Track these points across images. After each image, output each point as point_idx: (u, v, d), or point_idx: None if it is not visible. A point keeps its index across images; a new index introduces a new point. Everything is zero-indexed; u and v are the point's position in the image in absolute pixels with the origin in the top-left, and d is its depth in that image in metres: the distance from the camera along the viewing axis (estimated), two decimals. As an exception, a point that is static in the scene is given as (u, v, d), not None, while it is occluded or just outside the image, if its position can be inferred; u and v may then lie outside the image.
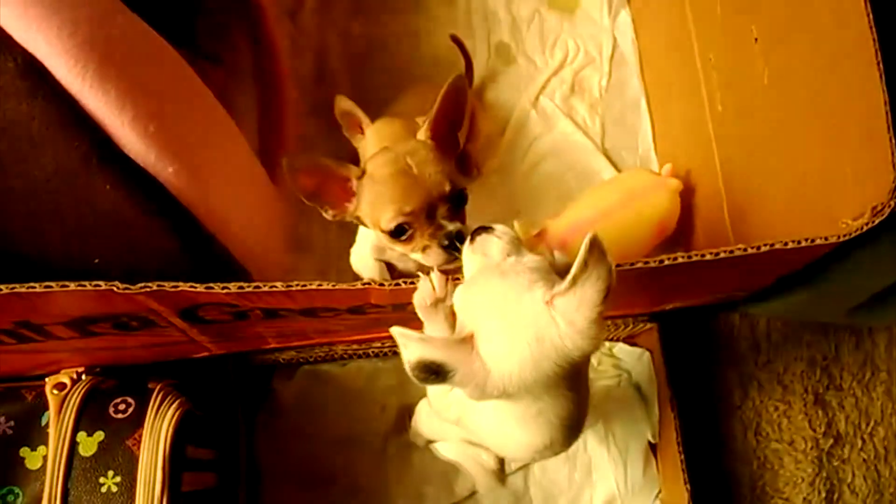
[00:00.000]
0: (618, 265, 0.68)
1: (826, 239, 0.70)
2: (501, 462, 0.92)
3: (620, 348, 1.12)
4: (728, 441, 1.16)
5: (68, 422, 0.81)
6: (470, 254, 0.66)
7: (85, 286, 0.65)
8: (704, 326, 1.18)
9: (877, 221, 0.70)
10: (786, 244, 0.70)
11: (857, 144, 0.75)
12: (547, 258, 0.64)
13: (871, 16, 0.70)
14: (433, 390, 0.87)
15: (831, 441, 1.16)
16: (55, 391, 0.83)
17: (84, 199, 0.69)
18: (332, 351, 1.04)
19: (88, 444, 0.81)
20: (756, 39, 0.88)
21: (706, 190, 1.06)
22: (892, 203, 0.69)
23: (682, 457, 1.02)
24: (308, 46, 1.24)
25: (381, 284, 0.71)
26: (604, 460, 1.08)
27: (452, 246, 0.75)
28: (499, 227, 0.66)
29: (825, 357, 1.18)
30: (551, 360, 0.58)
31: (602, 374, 1.11)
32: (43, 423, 0.83)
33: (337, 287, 0.69)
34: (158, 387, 0.86)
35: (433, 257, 0.78)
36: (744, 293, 1.05)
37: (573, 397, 0.67)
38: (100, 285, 0.65)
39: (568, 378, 0.62)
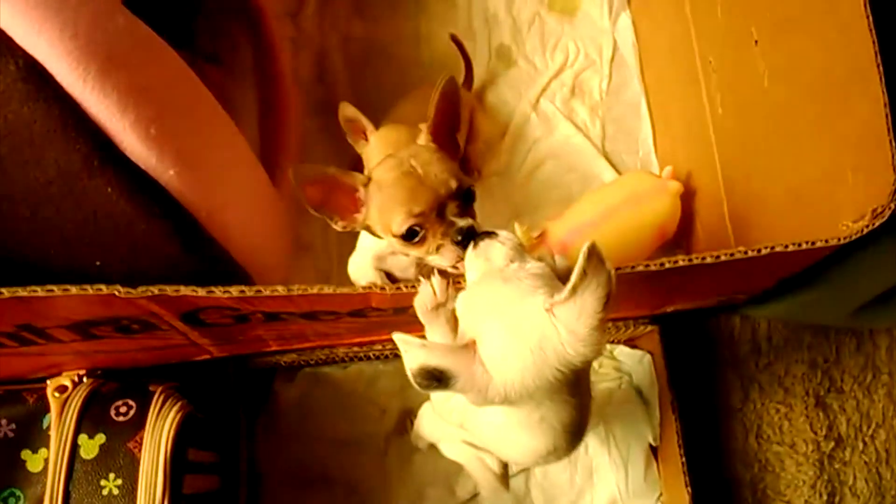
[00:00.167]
0: (618, 268, 0.69)
1: (827, 241, 0.71)
2: (505, 466, 0.92)
3: (621, 351, 1.12)
4: (729, 443, 1.16)
5: (69, 424, 0.81)
6: (473, 258, 0.66)
7: (87, 290, 0.65)
8: (705, 329, 1.18)
9: (877, 224, 0.70)
10: (786, 246, 0.70)
11: (857, 147, 0.75)
12: (548, 262, 0.65)
13: (870, 18, 0.70)
14: (437, 395, 0.87)
15: (832, 443, 1.16)
16: (56, 394, 0.84)
17: (85, 202, 0.70)
18: (332, 353, 1.04)
19: (90, 447, 0.81)
20: (756, 42, 0.88)
21: (707, 192, 1.06)
22: (893, 205, 0.70)
23: (683, 459, 1.02)
24: (308, 47, 1.24)
25: (383, 288, 0.71)
26: (605, 463, 1.08)
27: (466, 242, 0.74)
28: (502, 233, 0.66)
29: (826, 359, 1.18)
30: (553, 367, 0.58)
31: (603, 376, 1.11)
32: (44, 425, 0.83)
33: (338, 291, 0.69)
34: (160, 389, 0.86)
35: (448, 255, 0.77)
36: (744, 295, 1.06)
37: (575, 403, 0.67)
38: (101, 289, 0.65)
39: (570, 384, 0.62)
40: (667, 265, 0.70)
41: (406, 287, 0.70)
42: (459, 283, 0.69)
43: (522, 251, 0.64)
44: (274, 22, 1.11)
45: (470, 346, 0.59)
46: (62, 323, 0.74)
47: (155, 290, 0.66)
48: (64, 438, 0.80)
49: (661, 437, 1.07)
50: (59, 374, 0.87)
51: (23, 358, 0.82)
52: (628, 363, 1.11)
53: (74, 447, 0.80)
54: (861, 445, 1.16)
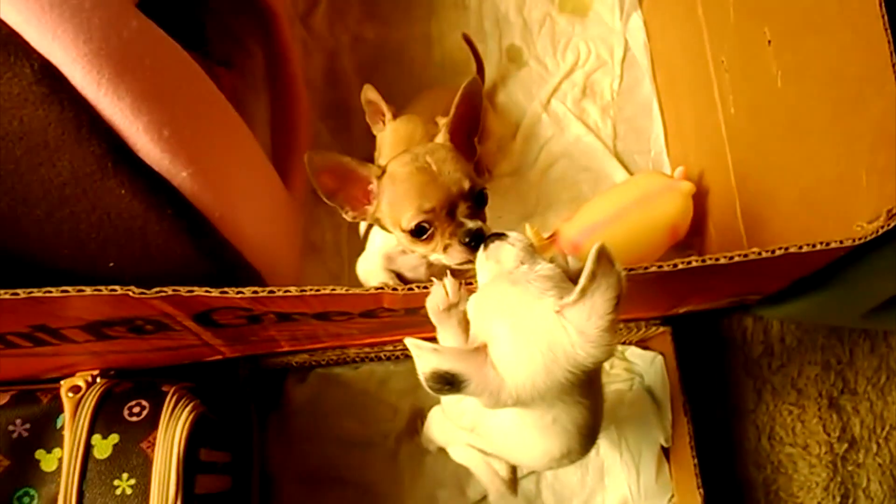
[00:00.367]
0: (631, 269, 0.69)
1: (841, 242, 0.70)
2: (514, 471, 0.92)
3: (633, 352, 1.12)
4: (741, 445, 1.15)
5: (83, 424, 0.82)
6: (483, 260, 0.66)
7: (101, 290, 0.65)
8: (718, 330, 1.18)
9: (892, 225, 0.70)
10: (800, 248, 0.69)
11: (871, 147, 0.75)
12: (560, 263, 0.64)
13: (885, 17, 0.69)
14: (447, 398, 0.87)
15: (846, 445, 1.15)
16: (70, 394, 0.84)
17: (99, 203, 0.70)
18: (344, 354, 1.04)
19: (103, 447, 0.81)
20: (769, 42, 0.88)
21: (719, 192, 1.06)
22: (908, 206, 0.69)
23: (696, 461, 1.01)
24: (319, 49, 1.25)
25: (395, 289, 0.71)
26: (616, 464, 1.08)
27: (474, 244, 0.74)
28: (512, 234, 0.65)
29: (840, 361, 1.17)
30: (564, 369, 0.58)
31: (615, 377, 1.10)
32: (58, 425, 0.83)
33: (350, 291, 0.69)
34: (172, 390, 0.86)
35: (455, 255, 0.77)
36: (757, 296, 1.05)
37: (588, 404, 0.67)
38: (115, 290, 0.65)
39: (581, 385, 0.62)
40: (680, 266, 0.70)
41: (418, 287, 0.70)
42: (471, 283, 0.69)
43: (533, 253, 0.64)
44: (287, 25, 1.11)
45: (481, 349, 0.59)
46: (76, 323, 0.74)
47: (168, 290, 0.67)
48: (78, 438, 0.81)
49: (672, 438, 1.07)
50: (72, 374, 0.87)
51: (37, 358, 0.83)
52: (640, 364, 1.11)
53: (88, 447, 0.81)
54: (875, 447, 1.15)
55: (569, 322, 0.57)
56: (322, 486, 1.07)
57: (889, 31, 0.69)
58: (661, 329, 1.06)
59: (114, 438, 0.82)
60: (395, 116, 1.01)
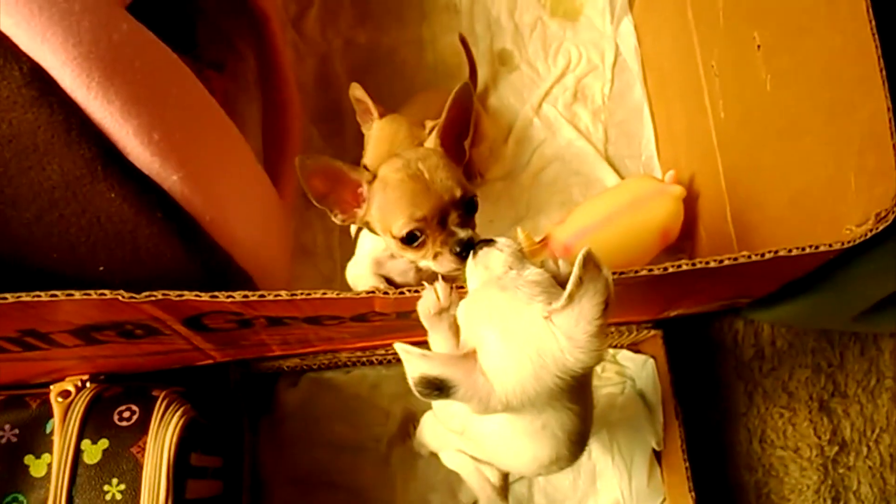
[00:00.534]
0: (621, 273, 0.69)
1: (830, 246, 0.70)
2: (505, 478, 0.92)
3: (624, 355, 1.12)
4: (733, 448, 1.16)
5: (73, 429, 0.82)
6: (473, 266, 0.66)
7: (90, 295, 0.65)
8: (708, 333, 1.18)
9: (881, 228, 0.70)
10: (790, 251, 0.70)
11: (860, 150, 0.75)
12: (550, 268, 0.64)
13: (873, 22, 0.70)
14: (438, 401, 0.86)
15: (836, 448, 1.16)
16: (60, 399, 0.84)
17: (89, 207, 0.70)
18: (336, 358, 1.04)
19: (93, 452, 0.81)
20: (759, 46, 0.88)
21: (709, 196, 1.06)
22: (896, 209, 0.69)
23: (687, 464, 1.01)
24: (311, 53, 1.25)
25: (386, 293, 0.71)
26: (608, 468, 1.08)
27: (464, 253, 0.74)
28: (501, 240, 0.65)
29: (830, 364, 1.18)
30: (553, 374, 0.58)
31: (606, 381, 1.11)
32: (47, 430, 0.83)
33: (341, 295, 0.69)
34: (163, 394, 0.86)
35: (444, 264, 0.77)
36: (748, 299, 1.05)
37: (577, 410, 0.67)
38: (105, 294, 0.65)
39: (571, 391, 0.62)
40: (670, 270, 0.70)
41: (409, 291, 0.70)
42: (462, 287, 0.69)
43: (522, 258, 0.64)
44: (279, 29, 1.11)
45: (471, 355, 0.59)
46: (65, 328, 0.74)
47: (158, 294, 0.66)
48: (67, 443, 0.81)
49: (664, 441, 1.07)
50: (62, 378, 0.87)
51: (26, 363, 0.82)
52: (631, 368, 1.11)
53: (78, 452, 0.81)
54: (865, 450, 1.16)
55: (557, 327, 0.57)
56: (314, 491, 1.06)
57: (877, 35, 0.70)
58: (653, 332, 1.07)
59: (103, 443, 0.81)
60: (381, 116, 1.00)
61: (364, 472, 1.08)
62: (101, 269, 0.74)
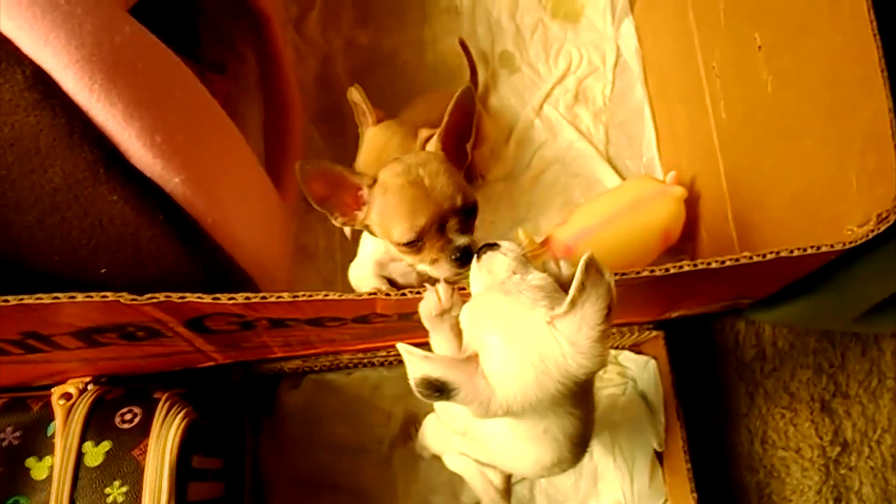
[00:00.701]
0: (623, 274, 0.69)
1: (832, 246, 0.70)
2: (507, 480, 0.92)
3: (626, 356, 1.12)
4: (734, 449, 1.16)
5: (75, 432, 0.81)
6: (476, 270, 0.65)
7: (92, 297, 0.65)
8: (710, 334, 1.18)
9: (882, 229, 0.70)
10: (791, 252, 0.70)
11: (861, 150, 0.75)
12: (553, 271, 0.64)
13: (874, 23, 0.70)
14: (440, 402, 0.86)
15: (838, 449, 1.15)
16: (62, 401, 0.84)
17: (91, 209, 0.70)
18: (337, 360, 1.04)
19: (95, 455, 0.81)
20: (760, 47, 0.88)
21: (711, 197, 1.06)
22: (898, 210, 0.69)
23: (689, 465, 1.01)
24: (312, 54, 1.25)
25: (388, 294, 0.71)
26: (610, 469, 1.08)
27: (462, 260, 0.75)
28: (505, 244, 0.65)
29: (831, 364, 1.18)
30: (555, 380, 0.57)
31: (608, 382, 1.10)
32: (49, 433, 0.83)
33: (343, 297, 0.69)
34: (165, 396, 0.86)
35: (442, 270, 0.77)
36: (749, 300, 1.05)
37: (579, 415, 0.67)
38: (107, 296, 0.65)
39: (573, 396, 0.62)
40: (672, 271, 0.70)
41: (411, 293, 0.70)
42: (464, 289, 0.69)
43: (526, 262, 0.64)
44: (280, 31, 1.11)
45: (473, 359, 0.59)
46: (67, 330, 0.74)
47: (160, 297, 0.66)
48: (69, 446, 0.81)
49: (666, 442, 1.07)
50: (64, 381, 0.87)
51: (28, 365, 0.82)
52: (633, 369, 1.11)
53: (79, 455, 0.80)
54: (867, 450, 1.16)
55: (560, 333, 0.57)
56: (315, 493, 1.06)
57: (878, 35, 0.70)
58: (654, 333, 1.07)
59: (105, 446, 0.81)
60: (379, 120, 1.00)
61: (366, 473, 1.08)
62: (103, 271, 0.74)
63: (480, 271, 0.65)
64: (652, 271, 0.70)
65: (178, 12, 1.04)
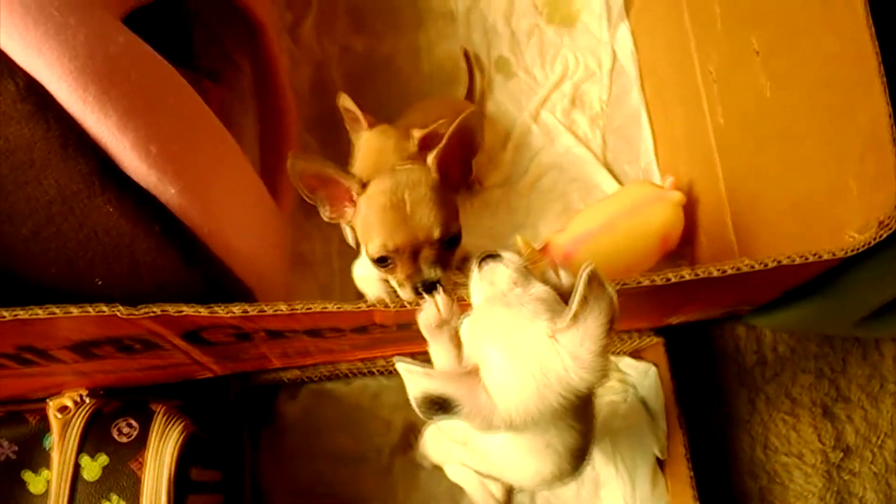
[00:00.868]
0: (623, 282, 0.68)
1: (833, 254, 0.70)
2: (509, 493, 0.91)
3: (626, 363, 1.11)
4: (736, 455, 1.15)
5: (72, 445, 0.81)
6: (478, 281, 0.65)
7: (88, 310, 0.64)
8: (710, 340, 1.18)
9: (883, 235, 0.70)
10: (793, 260, 0.69)
11: (860, 155, 0.75)
12: (552, 280, 0.64)
13: (872, 28, 0.70)
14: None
15: (841, 454, 1.15)
16: (58, 414, 0.83)
17: (87, 221, 0.69)
18: (336, 369, 1.03)
19: (92, 468, 0.80)
20: (757, 52, 0.88)
21: (709, 202, 1.06)
22: (898, 215, 0.69)
23: (691, 472, 1.01)
24: (307, 61, 1.24)
25: (386, 305, 0.70)
26: (611, 477, 1.07)
27: (427, 291, 0.74)
28: (506, 255, 0.64)
29: (833, 369, 1.17)
30: (557, 393, 0.57)
31: (608, 389, 1.10)
32: (46, 446, 0.82)
33: (342, 308, 0.68)
34: (162, 408, 0.85)
35: (404, 293, 0.78)
36: (749, 306, 1.05)
37: (581, 428, 0.66)
38: (103, 310, 0.65)
39: (575, 410, 0.61)
40: (672, 279, 0.70)
41: (409, 304, 0.70)
42: (464, 299, 0.68)
43: (528, 273, 0.63)
44: (275, 38, 1.10)
45: (474, 373, 0.58)
46: (64, 344, 0.73)
47: (157, 309, 0.66)
48: (66, 460, 0.80)
49: (667, 449, 1.06)
50: (60, 393, 0.86)
51: (24, 378, 0.81)
52: (634, 375, 1.11)
53: (77, 468, 0.80)
54: (869, 455, 1.15)
55: (562, 346, 0.56)
56: (314, 502, 1.06)
57: (875, 39, 0.70)
58: (655, 340, 1.06)
59: (103, 459, 0.81)
60: (372, 125, 1.00)
61: (365, 483, 1.07)
62: (100, 282, 0.73)
63: (482, 282, 0.64)
64: (652, 280, 0.70)
65: (172, 21, 1.04)
